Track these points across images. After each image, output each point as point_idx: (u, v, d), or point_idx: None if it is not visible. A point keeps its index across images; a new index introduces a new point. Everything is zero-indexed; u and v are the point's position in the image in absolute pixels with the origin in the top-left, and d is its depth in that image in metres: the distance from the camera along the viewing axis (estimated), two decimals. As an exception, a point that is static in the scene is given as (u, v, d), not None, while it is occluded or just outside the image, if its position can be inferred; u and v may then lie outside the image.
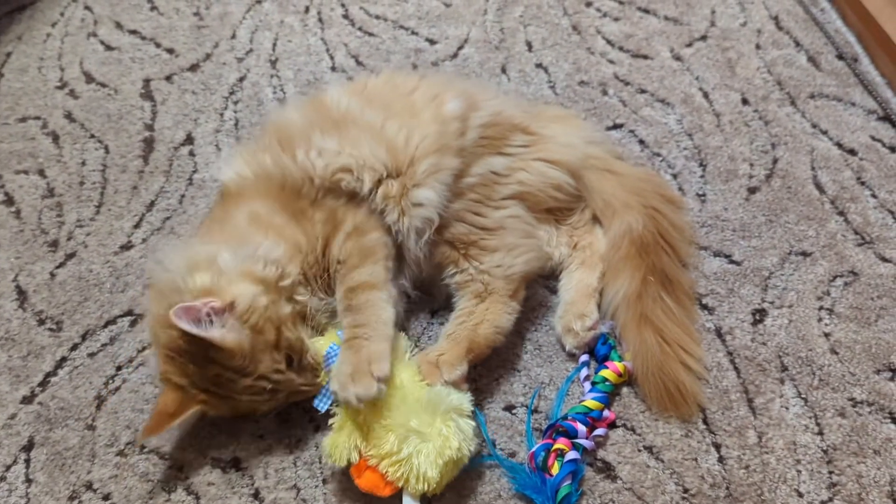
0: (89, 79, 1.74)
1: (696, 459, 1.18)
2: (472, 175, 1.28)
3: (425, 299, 1.34)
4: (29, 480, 1.20)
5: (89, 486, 1.19)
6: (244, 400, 1.12)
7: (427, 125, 1.26)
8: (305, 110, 1.33)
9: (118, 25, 1.83)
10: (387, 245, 1.23)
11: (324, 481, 1.18)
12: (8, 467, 1.21)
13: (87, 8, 1.87)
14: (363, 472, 1.09)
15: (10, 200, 1.54)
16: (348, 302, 1.16)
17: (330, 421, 1.12)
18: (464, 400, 1.12)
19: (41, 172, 1.58)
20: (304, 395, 1.16)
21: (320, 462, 1.19)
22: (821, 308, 1.32)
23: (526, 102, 1.57)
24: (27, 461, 1.22)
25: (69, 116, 1.67)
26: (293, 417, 1.23)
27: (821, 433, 1.19)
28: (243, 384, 1.10)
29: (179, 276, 1.11)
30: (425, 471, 1.06)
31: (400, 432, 1.08)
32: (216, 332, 1.06)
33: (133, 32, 1.82)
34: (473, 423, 1.12)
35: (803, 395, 1.23)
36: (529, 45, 1.75)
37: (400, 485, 1.08)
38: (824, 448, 1.18)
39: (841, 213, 1.43)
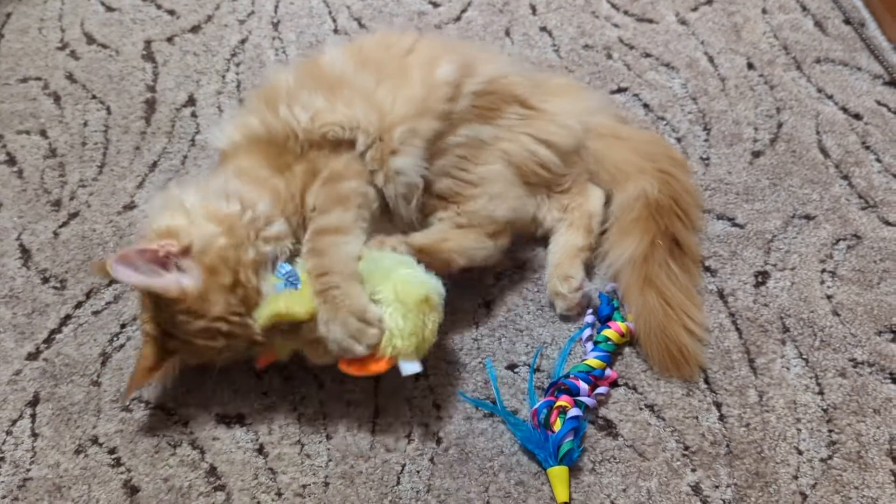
0: (90, 40, 1.72)
1: (696, 418, 1.19)
2: (458, 135, 1.26)
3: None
4: (35, 435, 1.21)
5: (95, 441, 1.20)
6: (199, 344, 1.09)
7: (413, 88, 1.23)
8: (299, 72, 1.31)
9: (119, -14, 1.81)
10: (364, 195, 1.20)
11: (328, 437, 1.19)
12: (14, 422, 1.22)
13: (87, -31, 1.85)
14: (351, 362, 1.08)
15: (12, 160, 1.53)
16: (312, 245, 1.13)
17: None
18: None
19: (43, 133, 1.57)
20: (265, 349, 1.14)
21: (324, 418, 1.20)
22: (823, 271, 1.32)
23: (530, 68, 1.55)
24: (33, 416, 1.22)
25: (70, 77, 1.66)
26: (297, 375, 1.24)
27: (821, 393, 1.20)
28: (197, 326, 1.07)
29: (150, 219, 1.13)
30: (397, 323, 1.06)
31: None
32: (152, 280, 1.05)
33: (134, -7, 1.80)
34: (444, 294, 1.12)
35: (804, 356, 1.24)
36: (533, 9, 1.74)
37: (384, 354, 1.07)
38: (824, 407, 1.19)
39: (845, 177, 1.43)
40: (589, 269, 1.32)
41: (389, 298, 1.08)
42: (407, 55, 1.30)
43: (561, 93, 1.41)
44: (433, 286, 1.10)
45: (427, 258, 1.16)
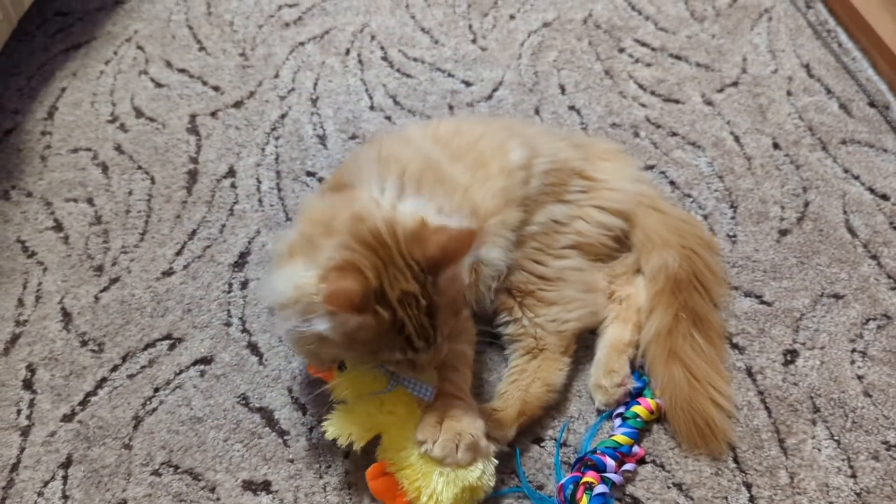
0: (139, 113, 1.81)
1: (726, 498, 1.17)
2: (534, 224, 1.30)
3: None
4: (65, 497, 1.22)
5: (124, 504, 1.21)
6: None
7: (495, 180, 1.26)
8: (406, 149, 1.29)
9: (168, 64, 1.91)
10: (470, 318, 1.26)
11: (353, 507, 1.19)
12: (46, 483, 1.24)
13: (139, 47, 1.96)
14: (379, 476, 1.11)
15: (59, 227, 1.60)
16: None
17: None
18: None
19: (90, 201, 1.64)
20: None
21: (349, 488, 1.21)
22: (853, 350, 1.32)
23: (572, 136, 1.58)
24: (65, 478, 1.24)
25: (118, 148, 1.74)
26: (323, 443, 1.25)
27: (854, 476, 1.18)
28: None
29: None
30: (441, 490, 1.07)
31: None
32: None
33: (182, 71, 1.90)
34: (496, 462, 1.14)
35: (836, 437, 1.22)
36: (562, 88, 1.80)
37: (409, 498, 1.09)
38: (857, 491, 1.16)
39: (874, 257, 1.44)
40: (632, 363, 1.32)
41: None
42: (478, 141, 1.32)
43: (607, 157, 1.46)
44: (490, 485, 1.12)
45: (527, 417, 1.23)
